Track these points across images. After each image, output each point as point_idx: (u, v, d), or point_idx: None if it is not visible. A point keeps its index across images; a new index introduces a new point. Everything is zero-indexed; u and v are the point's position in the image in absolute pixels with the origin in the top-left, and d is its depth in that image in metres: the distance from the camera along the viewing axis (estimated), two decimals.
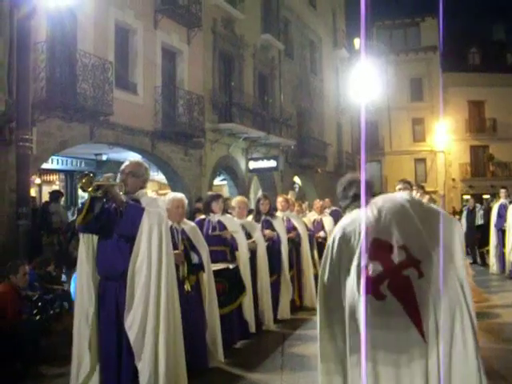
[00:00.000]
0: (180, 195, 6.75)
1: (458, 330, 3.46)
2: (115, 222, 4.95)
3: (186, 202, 6.74)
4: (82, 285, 5.18)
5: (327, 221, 13.46)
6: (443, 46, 40.23)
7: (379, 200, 3.97)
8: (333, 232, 3.99)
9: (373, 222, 3.74)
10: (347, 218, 3.94)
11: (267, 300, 8.70)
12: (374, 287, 3.56)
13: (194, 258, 6.39)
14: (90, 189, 4.71)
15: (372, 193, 4.15)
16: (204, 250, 6.59)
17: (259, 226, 9.23)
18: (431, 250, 3.64)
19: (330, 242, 3.88)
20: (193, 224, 6.85)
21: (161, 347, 4.88)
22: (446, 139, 38.45)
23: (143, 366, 4.82)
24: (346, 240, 3.76)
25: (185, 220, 6.76)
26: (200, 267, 6.48)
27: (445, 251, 3.63)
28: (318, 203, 14.04)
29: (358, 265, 3.60)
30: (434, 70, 41.64)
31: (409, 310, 3.53)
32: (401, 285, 3.58)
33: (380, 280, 3.59)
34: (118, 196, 4.90)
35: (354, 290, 3.60)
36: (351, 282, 3.63)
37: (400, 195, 4.22)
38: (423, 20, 42.02)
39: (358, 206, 3.92)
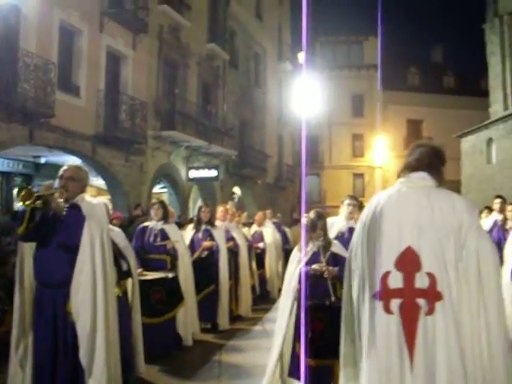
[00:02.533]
0: (103, 200, 6.58)
1: None
2: (54, 231, 4.88)
3: (110, 206, 6.60)
4: (17, 290, 5.10)
5: (268, 232, 13.54)
6: (383, 65, 41.13)
7: (428, 192, 3.42)
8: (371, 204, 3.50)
9: (416, 226, 3.31)
10: (402, 195, 3.46)
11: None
12: (385, 299, 3.28)
13: (123, 265, 6.28)
14: (29, 201, 4.62)
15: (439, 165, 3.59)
16: (131, 257, 6.47)
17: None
18: (455, 284, 3.24)
19: (364, 218, 3.48)
20: (119, 230, 6.69)
21: (111, 357, 4.90)
22: (384, 156, 39.23)
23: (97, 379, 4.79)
24: (387, 221, 3.37)
25: (110, 226, 6.37)
26: (129, 274, 6.38)
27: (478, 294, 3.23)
28: (258, 216, 14.12)
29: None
30: (375, 87, 42.45)
31: (407, 340, 3.23)
32: (411, 312, 3.25)
33: (394, 295, 3.28)
34: (58, 205, 4.82)
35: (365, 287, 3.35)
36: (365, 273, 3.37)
37: (451, 194, 3.51)
38: (366, 39, 42.81)
39: (411, 185, 3.50)
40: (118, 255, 5.98)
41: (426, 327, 3.20)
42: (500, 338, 3.18)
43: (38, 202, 4.67)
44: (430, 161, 3.56)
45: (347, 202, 7.27)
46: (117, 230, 6.62)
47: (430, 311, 3.22)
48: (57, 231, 4.86)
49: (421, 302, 3.24)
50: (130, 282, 6.48)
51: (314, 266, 5.44)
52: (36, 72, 14.35)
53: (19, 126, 14.42)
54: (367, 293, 3.35)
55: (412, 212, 3.34)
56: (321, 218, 5.79)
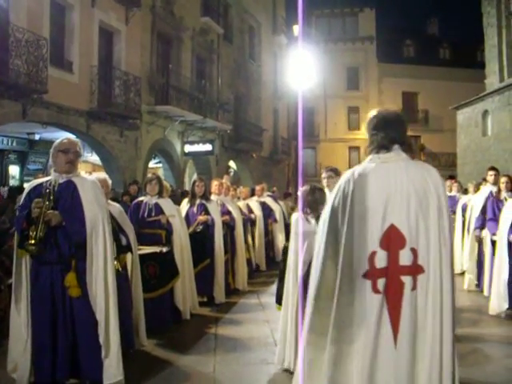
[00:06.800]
0: (103, 175, 6.59)
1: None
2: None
3: (110, 182, 6.60)
4: (15, 269, 5.13)
5: (254, 206, 13.57)
6: (379, 37, 40.92)
7: (405, 166, 3.42)
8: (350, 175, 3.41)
9: (397, 201, 3.32)
10: (380, 171, 3.40)
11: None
12: (373, 279, 3.29)
13: (123, 240, 6.30)
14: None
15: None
16: (131, 231, 6.50)
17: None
18: (434, 258, 3.30)
19: (344, 184, 3.40)
20: (118, 206, 6.71)
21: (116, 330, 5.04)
22: None
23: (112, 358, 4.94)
24: (370, 197, 3.32)
25: (110, 201, 6.54)
26: (128, 248, 6.41)
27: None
28: (259, 187, 14.41)
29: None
30: (370, 60, 42.29)
31: (392, 318, 3.28)
32: (395, 290, 3.29)
33: (380, 275, 3.29)
34: (56, 219, 4.85)
35: (356, 263, 3.31)
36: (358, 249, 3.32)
37: (426, 166, 3.54)
38: (361, 10, 42.55)
39: (386, 160, 3.46)
40: (117, 230, 6.02)
41: (410, 303, 3.27)
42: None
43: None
44: (401, 135, 3.55)
45: (324, 175, 7.23)
46: (116, 204, 6.66)
47: (414, 286, 3.29)
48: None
49: (405, 278, 3.29)
50: (129, 256, 6.51)
51: None
52: (28, 47, 14.21)
53: (12, 102, 14.34)
54: (356, 271, 3.33)
55: (393, 187, 3.34)
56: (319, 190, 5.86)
